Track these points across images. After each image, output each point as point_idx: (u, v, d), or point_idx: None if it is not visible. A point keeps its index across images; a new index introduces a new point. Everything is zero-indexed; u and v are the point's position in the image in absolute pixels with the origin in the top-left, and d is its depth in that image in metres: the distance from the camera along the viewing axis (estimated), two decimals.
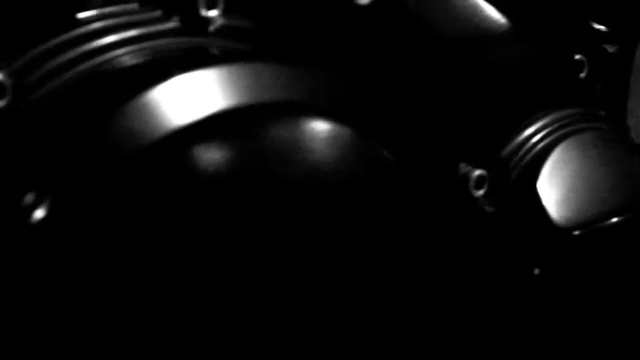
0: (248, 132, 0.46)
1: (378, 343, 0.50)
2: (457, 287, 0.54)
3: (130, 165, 0.43)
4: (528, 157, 0.65)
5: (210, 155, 0.44)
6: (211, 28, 0.50)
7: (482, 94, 0.63)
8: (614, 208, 0.65)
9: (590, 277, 0.64)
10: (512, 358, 0.62)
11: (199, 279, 0.43)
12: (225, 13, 0.50)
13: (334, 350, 0.48)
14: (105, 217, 0.42)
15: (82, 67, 0.46)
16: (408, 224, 0.51)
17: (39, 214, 0.40)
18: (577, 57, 0.72)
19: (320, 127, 0.48)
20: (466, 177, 0.56)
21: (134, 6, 0.49)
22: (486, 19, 0.65)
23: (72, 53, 0.46)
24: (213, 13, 0.50)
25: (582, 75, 0.72)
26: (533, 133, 0.66)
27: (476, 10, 0.64)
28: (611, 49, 0.77)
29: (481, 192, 0.57)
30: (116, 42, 0.48)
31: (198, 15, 0.49)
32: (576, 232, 0.63)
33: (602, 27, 0.77)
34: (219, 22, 0.50)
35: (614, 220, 0.65)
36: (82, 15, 0.48)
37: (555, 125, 0.67)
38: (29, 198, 0.41)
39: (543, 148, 0.66)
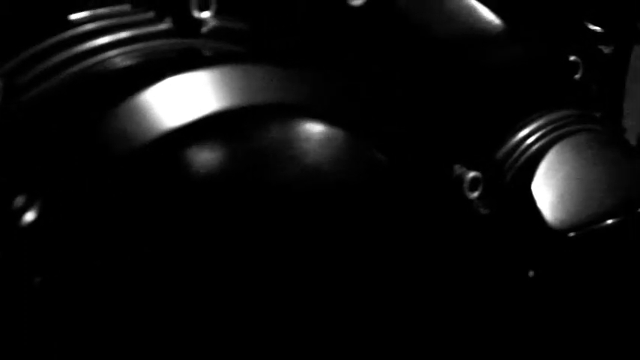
0: (240, 134, 0.46)
1: (373, 345, 0.50)
2: (452, 290, 0.54)
3: (122, 167, 0.42)
4: (523, 158, 0.65)
5: (203, 157, 0.44)
6: (204, 29, 0.49)
7: (476, 95, 0.63)
8: (610, 210, 0.65)
9: (585, 280, 0.64)
10: (508, 359, 0.62)
11: (191, 282, 0.43)
12: (217, 14, 0.50)
13: (329, 351, 0.48)
14: (96, 219, 0.41)
15: (74, 68, 0.46)
16: (401, 227, 0.51)
17: (29, 217, 0.40)
18: (572, 58, 0.72)
19: (313, 129, 0.48)
20: (460, 179, 0.56)
21: (126, 7, 0.49)
22: (480, 20, 0.65)
23: (64, 55, 0.46)
24: (205, 14, 0.49)
25: (577, 76, 0.72)
26: (527, 134, 0.66)
27: (470, 12, 0.64)
28: (606, 50, 0.77)
29: (475, 194, 0.57)
30: (108, 43, 0.47)
31: (190, 16, 0.49)
32: (571, 234, 0.63)
33: (597, 28, 0.77)
34: (212, 23, 0.50)
35: (610, 222, 0.65)
36: (74, 16, 0.47)
37: (550, 127, 0.67)
38: (19, 201, 0.40)
39: (538, 149, 0.65)
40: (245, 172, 0.45)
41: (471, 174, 0.57)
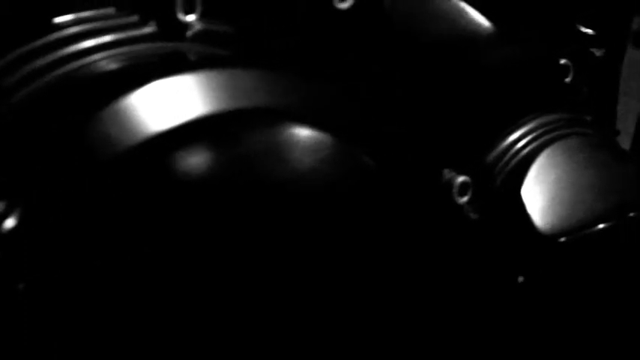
0: (227, 139, 0.46)
1: (357, 348, 0.50)
2: (441, 295, 0.54)
3: (106, 172, 0.42)
4: (513, 162, 0.65)
5: (189, 162, 0.44)
6: (189, 33, 0.49)
7: (465, 98, 0.63)
8: (601, 215, 0.65)
9: (576, 285, 0.64)
10: None
11: (174, 287, 0.43)
12: (202, 17, 0.49)
13: (311, 354, 0.48)
14: (79, 225, 0.41)
15: (58, 72, 0.46)
16: (390, 232, 0.51)
17: (9, 223, 0.40)
18: (562, 61, 0.71)
19: (300, 133, 0.47)
20: (450, 183, 0.56)
21: (111, 10, 0.49)
22: (469, 22, 0.65)
23: (48, 58, 0.46)
24: (190, 17, 0.49)
25: (568, 79, 0.72)
26: (517, 138, 0.66)
27: (458, 14, 0.64)
28: (598, 52, 0.77)
29: (465, 199, 0.57)
30: (93, 47, 0.47)
31: (175, 20, 0.49)
32: (562, 239, 0.62)
33: (588, 30, 0.76)
34: (197, 26, 0.49)
35: (601, 226, 0.64)
36: (58, 19, 0.47)
37: (540, 130, 0.67)
38: (0, 207, 0.40)
39: (528, 153, 0.65)
40: (231, 177, 0.45)
41: (461, 178, 0.56)
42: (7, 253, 0.40)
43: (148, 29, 0.49)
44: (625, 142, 1.00)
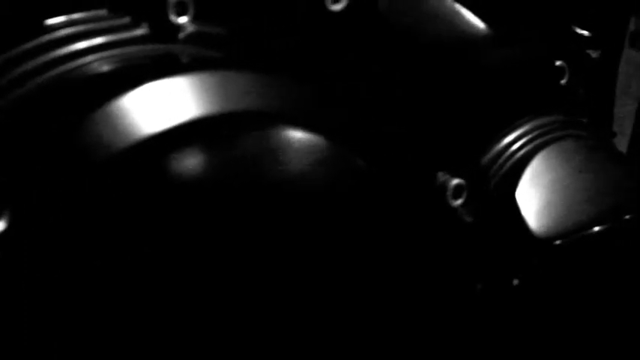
0: (218, 141, 0.45)
1: (350, 351, 0.49)
2: (435, 298, 0.53)
3: (98, 174, 0.42)
4: (507, 165, 0.65)
5: (180, 165, 0.44)
6: (181, 35, 0.49)
7: (461, 100, 0.63)
8: (596, 217, 0.65)
9: (571, 288, 0.64)
10: None
11: (165, 289, 0.43)
12: (195, 19, 0.49)
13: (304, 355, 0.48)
14: (70, 228, 0.41)
15: (50, 73, 0.46)
16: (382, 234, 0.51)
17: None
18: (558, 63, 0.71)
19: (293, 136, 0.47)
20: (444, 186, 0.56)
21: (103, 12, 0.48)
22: (464, 24, 0.65)
23: (40, 60, 0.46)
24: (183, 19, 0.49)
25: (563, 81, 0.71)
26: (512, 140, 0.66)
27: (453, 15, 0.64)
28: (594, 54, 0.77)
29: (459, 201, 0.56)
30: (85, 49, 0.47)
31: (167, 21, 0.49)
32: (556, 242, 0.62)
33: (584, 32, 0.76)
34: (190, 29, 0.49)
35: (596, 229, 0.64)
36: (50, 21, 0.47)
37: (535, 133, 0.67)
38: None
39: (523, 156, 0.65)
40: (224, 179, 0.45)
41: (455, 181, 0.56)
42: None
43: (140, 31, 0.48)
44: (623, 143, 0.99)
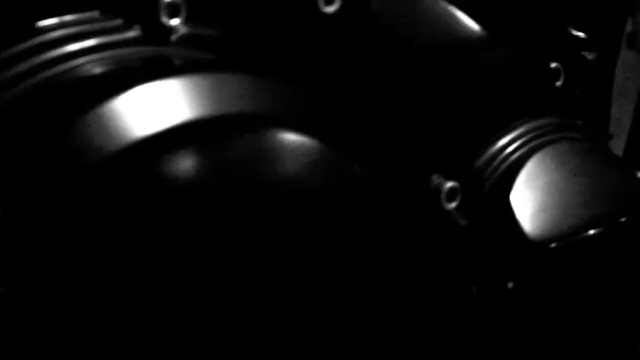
0: (211, 144, 0.45)
1: (343, 353, 0.49)
2: (429, 301, 0.53)
3: (90, 176, 0.42)
4: (502, 168, 0.65)
5: (173, 167, 0.44)
6: (173, 37, 0.49)
7: (455, 103, 0.63)
8: (591, 220, 0.64)
9: (565, 291, 0.64)
10: None
11: (158, 291, 0.43)
12: (187, 21, 0.49)
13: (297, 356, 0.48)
14: (61, 230, 0.41)
15: (42, 76, 0.46)
16: (376, 237, 0.50)
17: None
18: (553, 65, 0.71)
19: (286, 139, 0.47)
20: (438, 189, 0.56)
21: (95, 14, 0.48)
22: (460, 26, 0.64)
23: (32, 62, 0.46)
24: (175, 21, 0.49)
25: (558, 83, 0.71)
26: (507, 143, 0.66)
27: (447, 17, 0.64)
28: (590, 56, 0.77)
29: (453, 204, 0.56)
30: (77, 51, 0.47)
31: (159, 23, 0.49)
32: (551, 245, 0.62)
33: (580, 33, 0.76)
34: (182, 30, 0.49)
35: (591, 232, 0.64)
36: (41, 23, 0.47)
37: (530, 135, 0.66)
38: None
39: (517, 158, 0.65)
40: (216, 182, 0.45)
41: (449, 184, 0.56)
42: None
43: (132, 33, 0.48)
44: (619, 145, 0.99)
